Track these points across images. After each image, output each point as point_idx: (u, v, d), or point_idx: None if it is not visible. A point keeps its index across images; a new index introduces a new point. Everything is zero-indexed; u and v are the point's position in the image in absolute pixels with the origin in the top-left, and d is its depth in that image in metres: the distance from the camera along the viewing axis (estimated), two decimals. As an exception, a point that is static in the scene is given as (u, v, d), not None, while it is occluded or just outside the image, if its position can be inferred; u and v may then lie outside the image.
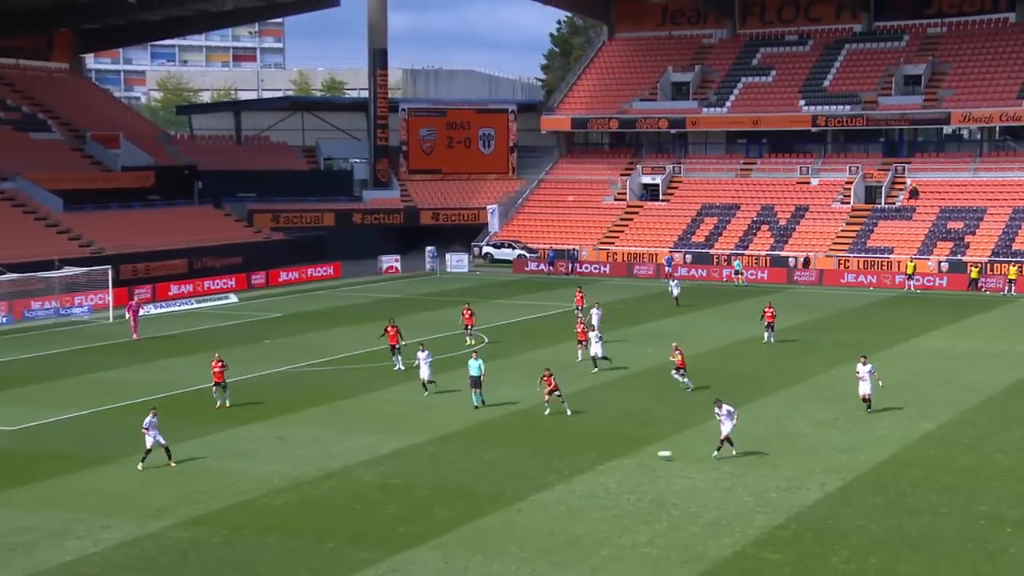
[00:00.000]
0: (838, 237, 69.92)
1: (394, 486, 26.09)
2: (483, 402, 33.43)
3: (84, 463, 28.15)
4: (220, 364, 33.63)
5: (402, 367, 38.73)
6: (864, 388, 32.26)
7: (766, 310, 44.89)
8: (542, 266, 71.66)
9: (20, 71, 78.62)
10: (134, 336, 47.03)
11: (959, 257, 65.74)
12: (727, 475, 26.59)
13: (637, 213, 77.32)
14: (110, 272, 53.85)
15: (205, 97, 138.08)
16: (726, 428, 27.75)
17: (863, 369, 32.32)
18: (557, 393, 32.42)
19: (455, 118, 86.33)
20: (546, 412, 32.62)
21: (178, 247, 64.28)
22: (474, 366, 33.62)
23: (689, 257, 70.61)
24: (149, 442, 27.50)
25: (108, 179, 70.32)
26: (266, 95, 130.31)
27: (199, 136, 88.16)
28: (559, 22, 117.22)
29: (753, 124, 78.75)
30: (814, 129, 77.13)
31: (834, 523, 23.33)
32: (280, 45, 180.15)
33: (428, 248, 72.99)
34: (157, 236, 64.87)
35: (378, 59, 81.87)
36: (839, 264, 67.29)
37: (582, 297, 50.99)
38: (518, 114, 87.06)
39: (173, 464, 27.60)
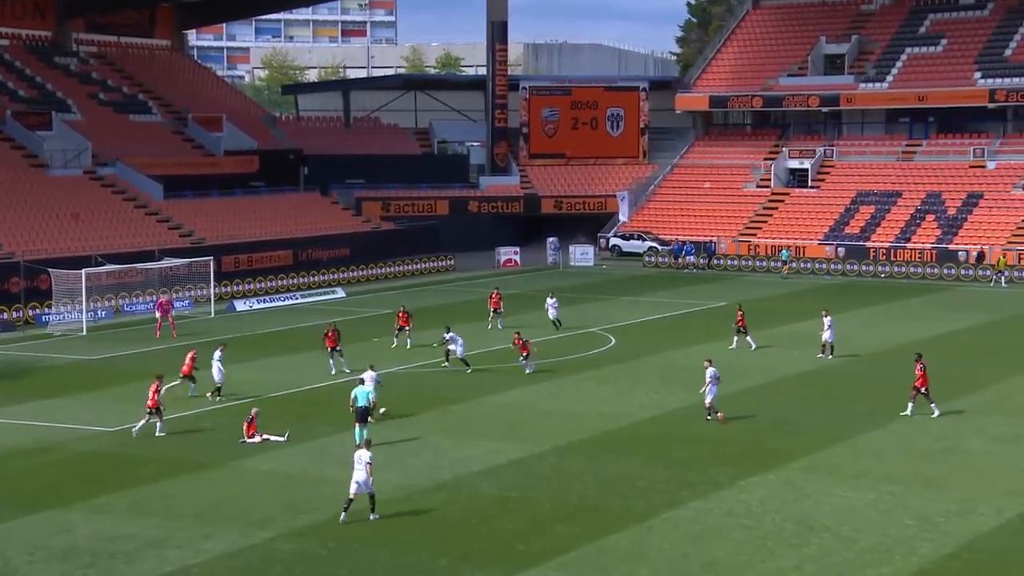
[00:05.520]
0: (1019, 228, 67.76)
1: (512, 499, 26.22)
2: (368, 441, 26.00)
3: (184, 467, 28.94)
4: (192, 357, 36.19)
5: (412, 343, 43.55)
6: (826, 336, 40.86)
7: (738, 314, 43.75)
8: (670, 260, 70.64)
9: (121, 49, 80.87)
10: (172, 336, 46.79)
11: None
12: (886, 495, 26.05)
13: (782, 201, 76.20)
14: (211, 264, 55.32)
15: (312, 75, 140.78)
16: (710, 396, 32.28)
17: (826, 321, 40.98)
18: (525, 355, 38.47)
19: (581, 97, 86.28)
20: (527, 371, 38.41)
21: (282, 237, 65.68)
22: (362, 394, 30.17)
23: (842, 251, 69.29)
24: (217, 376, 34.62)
25: (210, 164, 72.20)
26: (376, 73, 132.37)
27: (305, 117, 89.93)
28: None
29: (918, 100, 76.96)
30: (991, 105, 75.13)
31: (1017, 555, 22.63)
32: (392, 19, 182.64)
33: (550, 239, 73.12)
34: (260, 225, 66.39)
35: (497, 33, 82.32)
36: (1020, 259, 65.17)
37: (499, 299, 48.21)
38: (650, 92, 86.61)
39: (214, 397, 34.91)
